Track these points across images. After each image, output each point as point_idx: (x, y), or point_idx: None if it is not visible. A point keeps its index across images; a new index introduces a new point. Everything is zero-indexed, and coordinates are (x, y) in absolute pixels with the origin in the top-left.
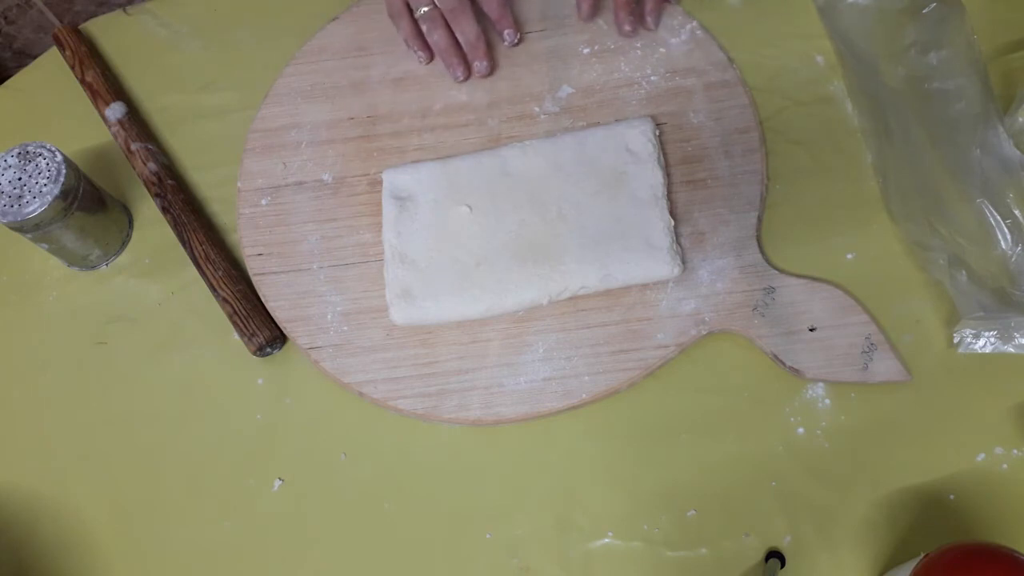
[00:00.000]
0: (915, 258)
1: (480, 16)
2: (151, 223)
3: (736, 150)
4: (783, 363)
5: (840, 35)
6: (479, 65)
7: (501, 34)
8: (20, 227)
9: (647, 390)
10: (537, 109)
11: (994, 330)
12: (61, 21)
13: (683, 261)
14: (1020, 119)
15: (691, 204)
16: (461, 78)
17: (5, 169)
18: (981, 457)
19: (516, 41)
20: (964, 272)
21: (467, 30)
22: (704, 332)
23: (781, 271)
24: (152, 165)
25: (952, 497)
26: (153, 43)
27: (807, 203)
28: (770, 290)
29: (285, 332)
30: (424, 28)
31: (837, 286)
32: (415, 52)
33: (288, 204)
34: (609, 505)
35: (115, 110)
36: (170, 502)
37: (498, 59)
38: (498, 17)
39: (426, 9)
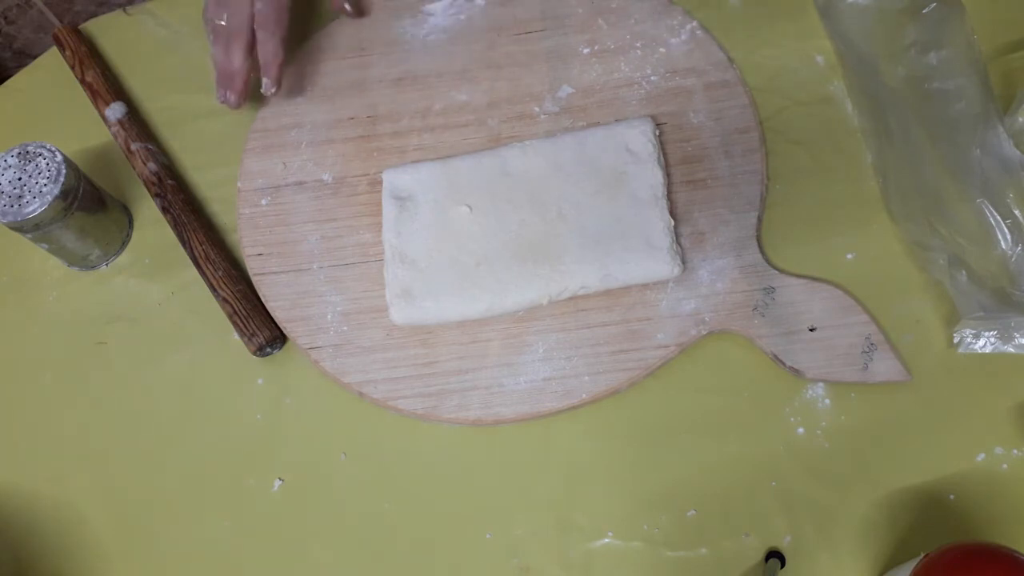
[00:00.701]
0: (915, 258)
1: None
2: (151, 223)
3: (736, 150)
4: (783, 363)
5: (840, 35)
6: (225, 95)
7: (261, 80)
8: (20, 227)
9: (647, 390)
10: (537, 109)
11: (994, 330)
12: (61, 21)
13: (683, 261)
14: (1020, 119)
15: (691, 204)
16: (218, 101)
17: (5, 169)
18: (981, 457)
19: (272, 92)
20: (964, 272)
21: (231, 58)
22: (704, 332)
23: (781, 271)
24: (152, 165)
25: (952, 497)
26: (153, 43)
27: (807, 203)
28: (770, 290)
29: (285, 332)
30: (210, 39)
31: (837, 286)
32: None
33: (288, 204)
34: (609, 505)
35: (115, 110)
36: (170, 502)
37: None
38: (264, 64)
39: (218, 23)
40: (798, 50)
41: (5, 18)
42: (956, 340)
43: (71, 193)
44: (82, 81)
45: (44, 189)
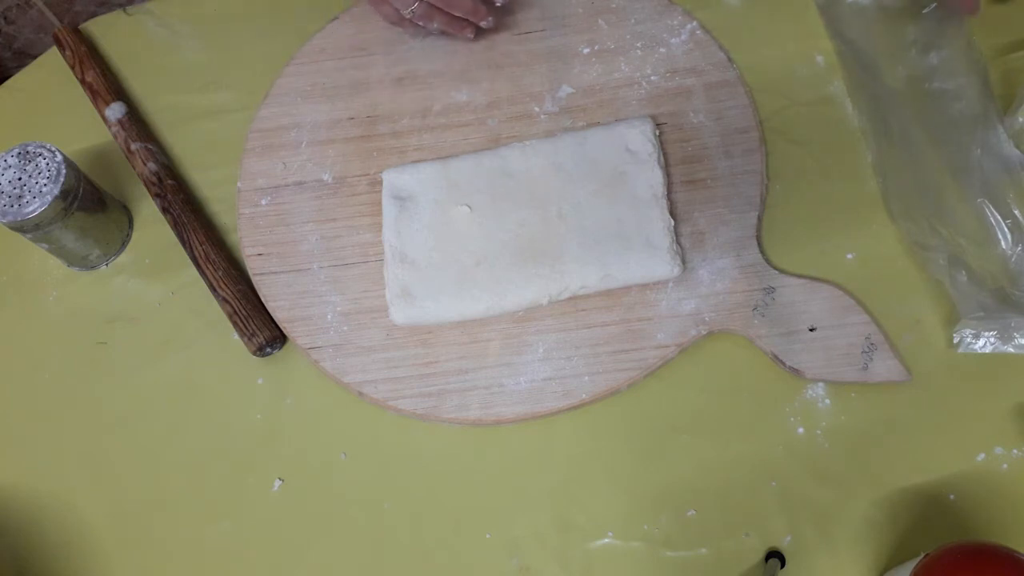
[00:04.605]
0: (915, 258)
1: None
2: (151, 223)
3: (736, 150)
4: (783, 363)
5: (840, 35)
6: (486, 23)
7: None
8: (20, 227)
9: (647, 390)
10: (537, 109)
11: (994, 330)
12: (61, 21)
13: (683, 261)
14: (1020, 119)
15: (691, 204)
16: (472, 37)
17: (5, 169)
18: (981, 457)
19: (491, 24)
20: (964, 272)
21: (462, 5)
22: (704, 332)
23: (781, 271)
24: (152, 165)
25: (952, 497)
26: (153, 43)
27: (807, 203)
28: (770, 290)
29: (285, 332)
30: (421, 24)
31: (837, 286)
32: (429, 32)
33: (288, 204)
34: (609, 505)
35: (115, 110)
36: (170, 502)
37: (499, 57)
38: (471, 10)
39: (413, 7)
40: (798, 50)
41: (5, 18)
42: (956, 340)
43: (71, 193)
44: (82, 81)
45: (44, 189)
